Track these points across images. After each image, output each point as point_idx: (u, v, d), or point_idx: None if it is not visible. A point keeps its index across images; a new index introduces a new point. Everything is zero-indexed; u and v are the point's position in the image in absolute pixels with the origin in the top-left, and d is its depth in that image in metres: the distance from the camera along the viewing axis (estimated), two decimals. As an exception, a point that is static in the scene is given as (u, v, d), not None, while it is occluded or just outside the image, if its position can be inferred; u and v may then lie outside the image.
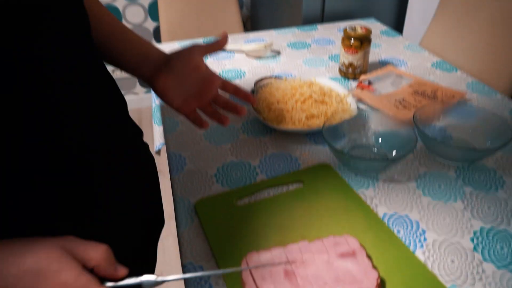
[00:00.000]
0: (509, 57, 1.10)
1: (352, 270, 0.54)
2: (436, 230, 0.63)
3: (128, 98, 2.74)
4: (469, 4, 1.22)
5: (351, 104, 0.89)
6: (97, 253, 0.41)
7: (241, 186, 0.72)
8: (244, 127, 0.89)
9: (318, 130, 0.81)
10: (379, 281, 0.53)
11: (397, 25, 1.74)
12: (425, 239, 0.62)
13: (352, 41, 1.02)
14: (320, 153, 0.81)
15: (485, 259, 0.58)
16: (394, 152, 0.76)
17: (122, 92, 2.70)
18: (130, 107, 2.78)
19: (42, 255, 0.38)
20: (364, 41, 1.02)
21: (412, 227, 0.64)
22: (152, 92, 1.26)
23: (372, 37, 1.33)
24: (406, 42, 1.30)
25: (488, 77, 1.12)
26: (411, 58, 1.19)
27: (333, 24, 1.46)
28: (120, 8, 2.39)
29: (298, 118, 0.83)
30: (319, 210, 0.66)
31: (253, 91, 0.94)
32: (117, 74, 2.59)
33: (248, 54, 1.23)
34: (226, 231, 0.62)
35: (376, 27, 1.42)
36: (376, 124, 0.81)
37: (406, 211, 0.67)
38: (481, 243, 0.61)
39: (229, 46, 1.26)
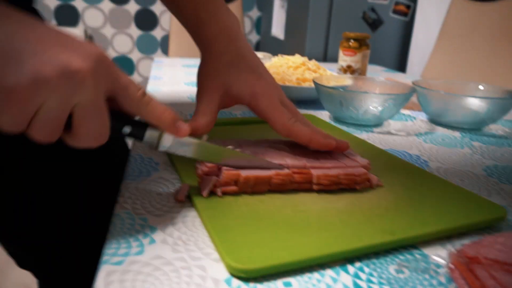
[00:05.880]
0: (501, 84, 1.08)
1: (334, 156, 0.43)
2: (440, 161, 0.53)
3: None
4: (465, 38, 1.24)
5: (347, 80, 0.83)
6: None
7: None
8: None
9: (310, 90, 0.75)
10: (369, 166, 0.41)
11: (399, 69, 1.77)
12: (428, 166, 0.51)
13: (351, 42, 1.01)
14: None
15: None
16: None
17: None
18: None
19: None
20: (362, 43, 1.01)
21: (411, 157, 0.53)
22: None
23: (373, 73, 1.33)
24: (406, 75, 1.29)
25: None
26: (410, 82, 1.17)
27: (335, 63, 1.48)
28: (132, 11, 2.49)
29: (288, 79, 0.77)
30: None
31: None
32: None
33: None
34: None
35: (377, 69, 1.44)
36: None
37: (405, 148, 0.57)
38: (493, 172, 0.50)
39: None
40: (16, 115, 0.26)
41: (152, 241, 0.31)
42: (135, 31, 2.51)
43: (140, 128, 0.34)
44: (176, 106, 0.72)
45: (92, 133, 0.30)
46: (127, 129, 0.34)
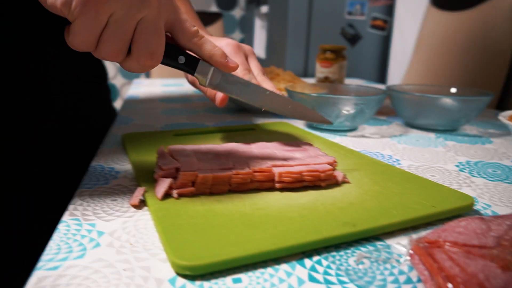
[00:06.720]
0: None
1: (300, 156, 0.41)
2: (412, 159, 0.51)
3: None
4: (440, 47, 1.26)
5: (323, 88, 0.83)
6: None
7: (185, 129, 0.62)
8: (206, 107, 0.82)
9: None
10: (336, 163, 0.40)
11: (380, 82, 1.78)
12: (399, 164, 0.50)
13: (327, 53, 1.01)
14: (284, 121, 0.72)
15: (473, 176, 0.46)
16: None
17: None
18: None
19: None
20: (339, 54, 1.01)
21: (383, 157, 0.52)
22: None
23: (352, 83, 1.34)
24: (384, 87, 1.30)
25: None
26: (389, 91, 1.18)
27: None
28: (116, 87, 2.48)
29: (263, 89, 0.76)
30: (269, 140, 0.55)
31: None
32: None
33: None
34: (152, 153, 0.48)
35: (357, 82, 1.45)
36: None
37: (378, 149, 0.56)
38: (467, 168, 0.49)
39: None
40: (90, 21, 0.30)
41: (97, 245, 0.29)
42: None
43: (193, 60, 0.38)
44: (149, 121, 0.70)
45: (148, 49, 0.33)
46: (182, 58, 0.37)
